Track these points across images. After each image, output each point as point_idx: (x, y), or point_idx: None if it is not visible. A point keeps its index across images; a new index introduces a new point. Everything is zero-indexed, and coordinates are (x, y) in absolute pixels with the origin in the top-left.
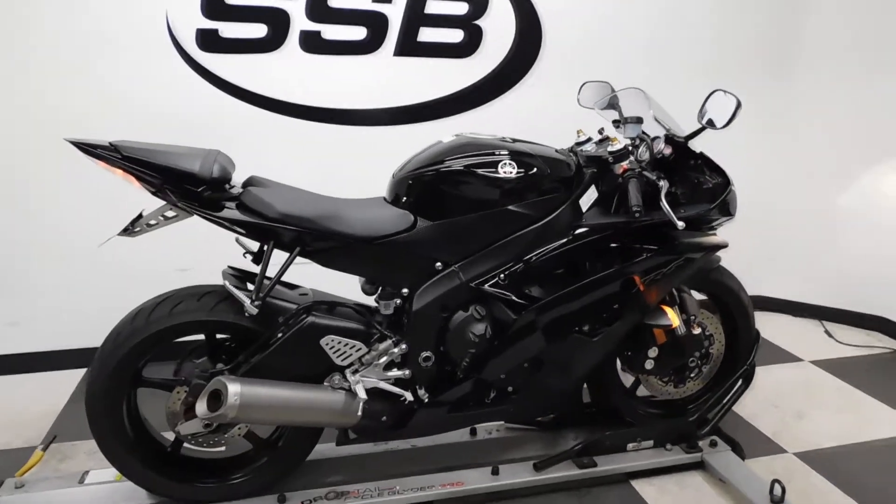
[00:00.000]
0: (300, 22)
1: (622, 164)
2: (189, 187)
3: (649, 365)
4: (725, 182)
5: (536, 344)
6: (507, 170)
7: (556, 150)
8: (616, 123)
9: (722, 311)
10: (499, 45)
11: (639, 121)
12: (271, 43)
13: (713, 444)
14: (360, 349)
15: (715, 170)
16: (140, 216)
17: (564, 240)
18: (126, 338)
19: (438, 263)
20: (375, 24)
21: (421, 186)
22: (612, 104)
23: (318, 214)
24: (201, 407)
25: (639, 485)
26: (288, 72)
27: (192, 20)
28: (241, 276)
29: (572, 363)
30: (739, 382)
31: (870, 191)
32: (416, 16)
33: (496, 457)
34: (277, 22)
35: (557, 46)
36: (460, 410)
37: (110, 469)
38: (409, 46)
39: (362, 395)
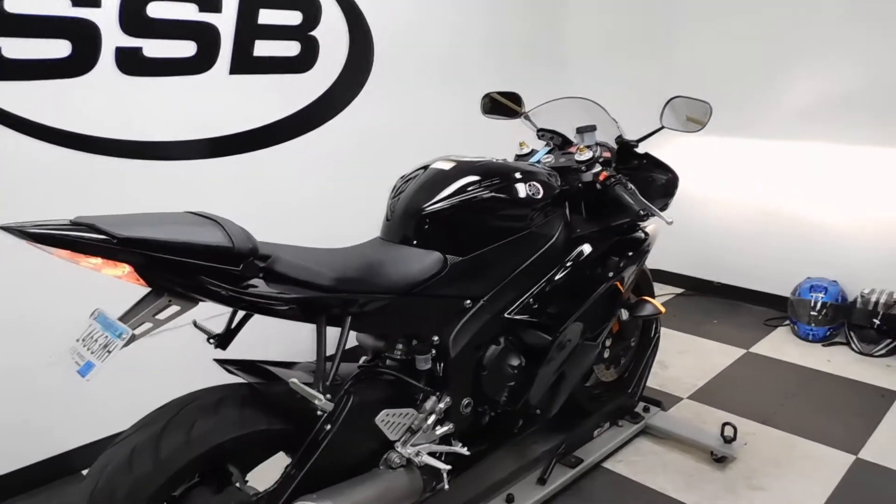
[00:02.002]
0: (114, 37)
1: (600, 171)
2: (227, 268)
3: (606, 354)
4: (675, 177)
5: (566, 360)
6: (534, 191)
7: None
8: (541, 133)
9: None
10: (335, 57)
11: (593, 128)
12: (78, 64)
13: (646, 410)
14: (411, 416)
15: (660, 167)
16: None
17: (577, 253)
18: (132, 493)
19: (467, 301)
20: (205, 37)
21: (447, 220)
22: (526, 116)
23: (364, 273)
24: None
25: (611, 465)
26: (104, 100)
27: None
28: (247, 368)
29: (581, 368)
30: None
31: None
32: (249, 27)
33: (482, 485)
34: (83, 37)
35: (386, 54)
36: (496, 448)
37: None
38: (244, 63)
39: (440, 465)
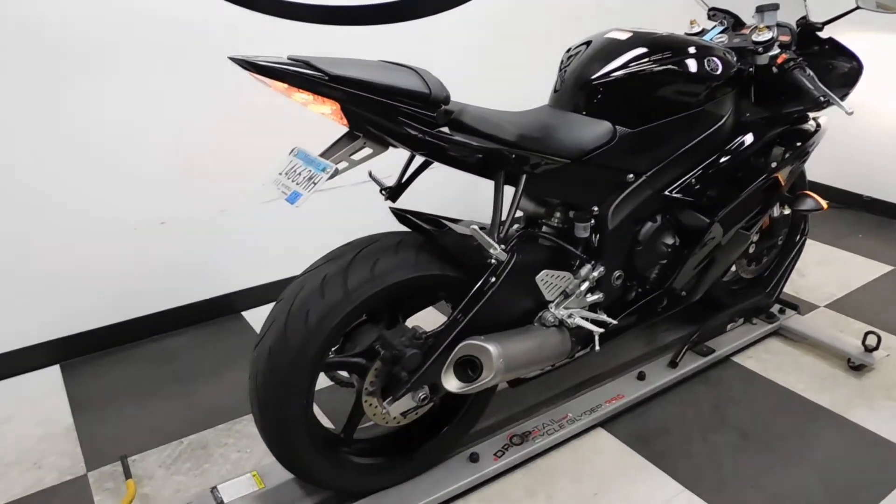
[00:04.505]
0: None
1: (778, 54)
2: (424, 113)
3: (751, 249)
4: (860, 66)
5: (719, 245)
6: (712, 66)
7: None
8: (712, 13)
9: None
10: None
11: (776, 7)
12: None
13: (781, 311)
14: (567, 279)
15: (844, 54)
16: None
17: (743, 138)
18: (324, 315)
19: (630, 175)
20: None
21: (620, 91)
22: None
23: (542, 134)
24: (452, 380)
25: (741, 360)
26: None
27: None
28: (418, 218)
29: (731, 256)
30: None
31: None
32: None
33: (615, 361)
34: None
35: None
36: (639, 324)
37: (241, 478)
38: None
39: (594, 328)
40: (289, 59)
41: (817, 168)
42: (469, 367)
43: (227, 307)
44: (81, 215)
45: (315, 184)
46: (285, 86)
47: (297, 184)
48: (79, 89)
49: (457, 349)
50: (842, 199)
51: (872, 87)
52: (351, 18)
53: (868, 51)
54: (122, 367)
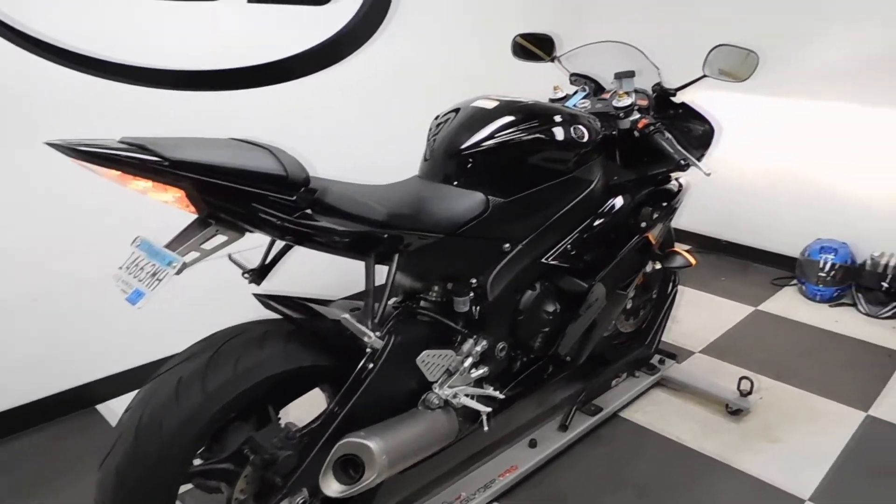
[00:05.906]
0: None
1: (639, 118)
2: (281, 197)
3: (628, 305)
4: (711, 129)
5: (601, 308)
6: (578, 134)
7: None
8: (574, 78)
9: None
10: None
11: (632, 74)
12: None
13: (661, 362)
14: (450, 357)
15: (697, 117)
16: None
17: (613, 201)
18: (181, 424)
19: (507, 244)
20: None
21: (491, 160)
22: (559, 59)
23: (414, 210)
24: (332, 484)
25: (628, 415)
26: (116, 21)
27: None
28: (285, 303)
29: (610, 316)
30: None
31: None
32: None
33: (505, 429)
34: None
35: None
36: (526, 394)
37: None
38: None
39: (481, 407)
40: (120, 141)
41: (681, 215)
42: (350, 467)
43: (77, 401)
44: None
45: (160, 280)
46: (118, 173)
47: (140, 280)
48: None
49: (335, 448)
50: (703, 244)
51: (728, 139)
52: (213, 83)
53: (721, 109)
54: None
